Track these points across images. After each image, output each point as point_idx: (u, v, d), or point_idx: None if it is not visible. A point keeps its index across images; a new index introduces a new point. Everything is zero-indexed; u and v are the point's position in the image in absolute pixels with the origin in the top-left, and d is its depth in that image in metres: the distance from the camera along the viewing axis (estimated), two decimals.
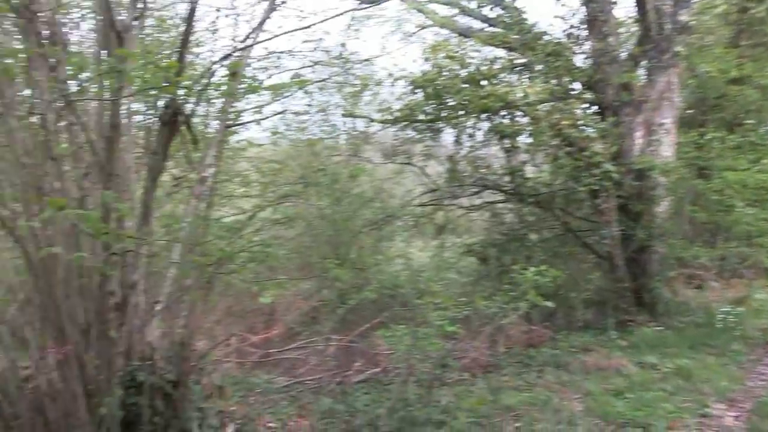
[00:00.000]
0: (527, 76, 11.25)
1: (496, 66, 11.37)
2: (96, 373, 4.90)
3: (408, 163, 12.68)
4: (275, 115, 6.54)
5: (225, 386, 6.56)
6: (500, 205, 12.66)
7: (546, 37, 11.21)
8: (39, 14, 4.41)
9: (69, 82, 4.52)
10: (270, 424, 6.39)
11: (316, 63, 9.02)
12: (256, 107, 6.06)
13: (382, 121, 12.21)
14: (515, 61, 11.42)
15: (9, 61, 4.47)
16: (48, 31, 4.51)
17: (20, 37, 4.71)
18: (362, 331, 9.11)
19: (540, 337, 9.63)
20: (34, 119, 4.53)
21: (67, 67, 4.54)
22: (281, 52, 8.27)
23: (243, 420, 6.16)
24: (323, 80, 9.51)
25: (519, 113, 11.27)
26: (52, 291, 4.61)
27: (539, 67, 10.96)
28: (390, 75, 11.84)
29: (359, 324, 9.28)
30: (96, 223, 3.53)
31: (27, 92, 5.07)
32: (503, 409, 6.50)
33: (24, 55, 4.46)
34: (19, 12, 4.33)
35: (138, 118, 6.08)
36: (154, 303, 5.44)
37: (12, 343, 5.84)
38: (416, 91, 11.47)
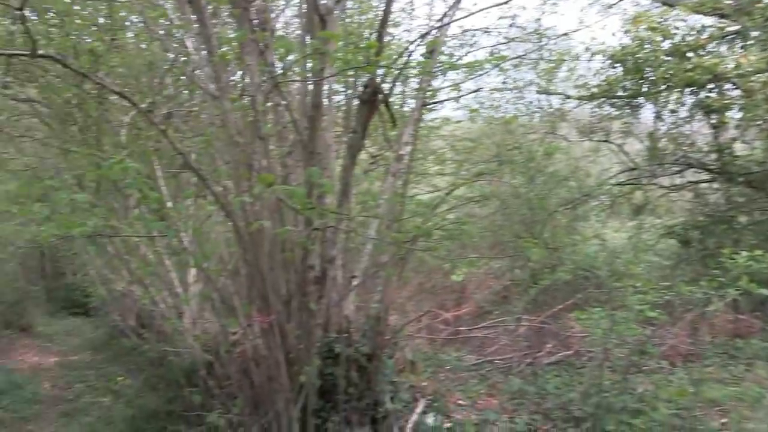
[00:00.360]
0: (740, 44, 10.33)
1: (704, 36, 10.55)
2: (296, 342, 5.15)
3: (605, 141, 12.16)
4: (471, 93, 6.51)
5: (417, 361, 6.69)
6: (704, 184, 11.82)
7: (766, 0, 10.20)
8: (252, 3, 4.65)
9: (276, 65, 4.74)
10: (460, 402, 6.43)
11: (511, 39, 8.85)
12: (451, 85, 6.07)
13: (578, 98, 11.77)
14: (726, 29, 10.53)
15: (225, 48, 4.77)
16: (258, 18, 4.75)
17: (234, 25, 5.02)
18: (554, 312, 8.89)
19: (749, 328, 8.91)
20: (245, 101, 4.80)
21: (275, 51, 4.76)
22: (476, 30, 8.20)
23: (433, 396, 6.24)
24: (519, 57, 9.30)
25: (729, 86, 10.41)
26: (259, 263, 4.88)
27: (755, 33, 9.99)
28: (587, 49, 11.37)
29: (551, 305, 9.07)
30: (302, 199, 3.67)
31: (238, 76, 5.41)
32: (706, 403, 6.10)
33: (237, 42, 4.73)
34: (235, 2, 4.61)
35: (337, 98, 6.30)
36: (351, 278, 5.64)
37: (222, 310, 6.31)
38: (615, 65, 10.92)
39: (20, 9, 3.56)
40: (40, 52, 3.71)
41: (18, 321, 14.60)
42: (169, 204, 6.85)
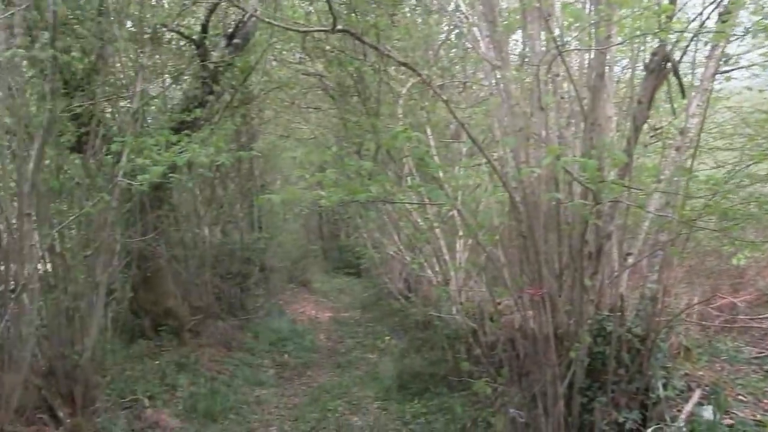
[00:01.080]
0: None
1: None
2: (566, 317, 5.05)
3: None
4: None
5: (691, 349, 6.28)
6: None
7: None
8: None
9: (560, 33, 4.62)
10: (740, 397, 5.93)
11: None
12: (748, 51, 5.53)
13: None
14: None
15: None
16: None
17: None
18: None
19: None
20: (526, 70, 4.76)
21: (559, 19, 4.64)
22: None
23: (710, 387, 5.82)
24: None
25: None
26: (533, 235, 4.84)
27: None
28: None
29: None
30: (593, 172, 3.56)
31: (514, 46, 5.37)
32: None
33: (520, 11, 4.68)
34: None
35: (617, 68, 6.02)
36: (626, 255, 5.41)
37: (489, 280, 6.37)
38: None
39: None
40: (338, 27, 3.95)
41: (299, 276, 16.03)
42: (440, 173, 7.03)
